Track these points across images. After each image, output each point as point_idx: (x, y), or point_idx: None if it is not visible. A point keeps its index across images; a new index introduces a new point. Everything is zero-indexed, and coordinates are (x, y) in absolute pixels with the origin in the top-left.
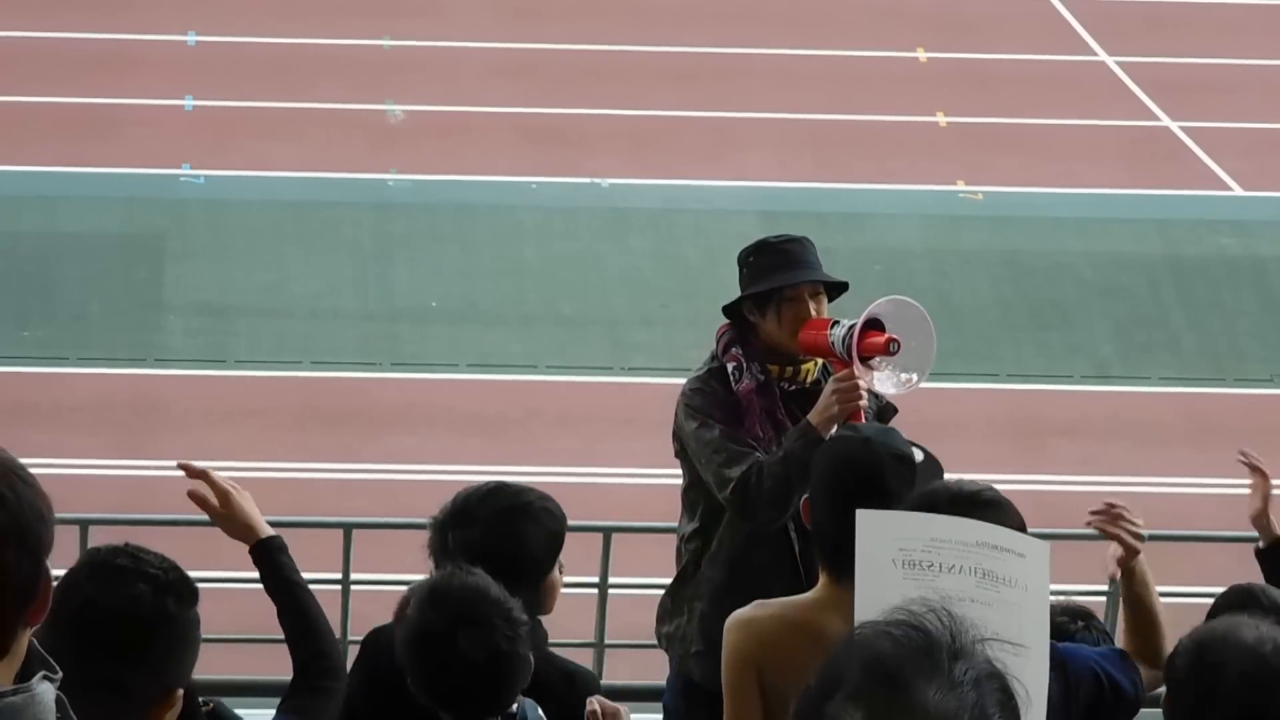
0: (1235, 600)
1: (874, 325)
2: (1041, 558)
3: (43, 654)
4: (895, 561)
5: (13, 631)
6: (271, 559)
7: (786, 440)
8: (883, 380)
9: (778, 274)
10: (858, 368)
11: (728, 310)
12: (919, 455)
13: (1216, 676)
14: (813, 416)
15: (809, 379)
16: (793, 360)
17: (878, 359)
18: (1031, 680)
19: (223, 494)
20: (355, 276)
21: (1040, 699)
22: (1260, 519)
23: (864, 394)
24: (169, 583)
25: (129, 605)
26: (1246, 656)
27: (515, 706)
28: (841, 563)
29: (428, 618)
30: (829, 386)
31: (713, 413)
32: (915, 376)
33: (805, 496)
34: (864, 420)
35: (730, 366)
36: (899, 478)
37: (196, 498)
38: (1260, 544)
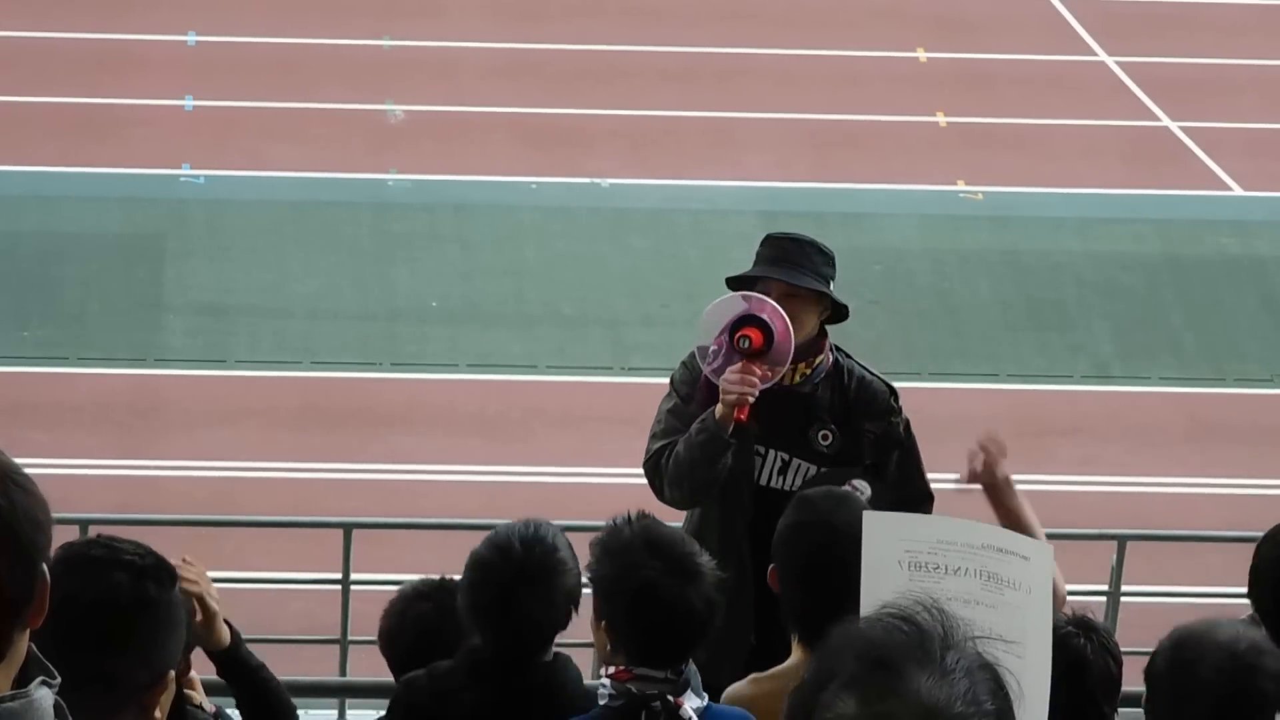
0: (1273, 537)
1: (758, 324)
2: (1045, 560)
3: (41, 659)
4: (901, 563)
5: (8, 638)
6: (237, 656)
7: (694, 431)
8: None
9: (761, 267)
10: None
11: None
12: (867, 491)
13: (1192, 672)
14: (716, 409)
15: (788, 381)
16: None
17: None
18: (1031, 679)
19: (210, 615)
20: (355, 276)
21: (1042, 699)
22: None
23: (750, 389)
24: (145, 567)
25: (109, 595)
26: (1221, 654)
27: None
28: (816, 630)
29: (652, 569)
30: (723, 379)
31: (679, 388)
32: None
33: (772, 567)
34: (747, 418)
35: (711, 349)
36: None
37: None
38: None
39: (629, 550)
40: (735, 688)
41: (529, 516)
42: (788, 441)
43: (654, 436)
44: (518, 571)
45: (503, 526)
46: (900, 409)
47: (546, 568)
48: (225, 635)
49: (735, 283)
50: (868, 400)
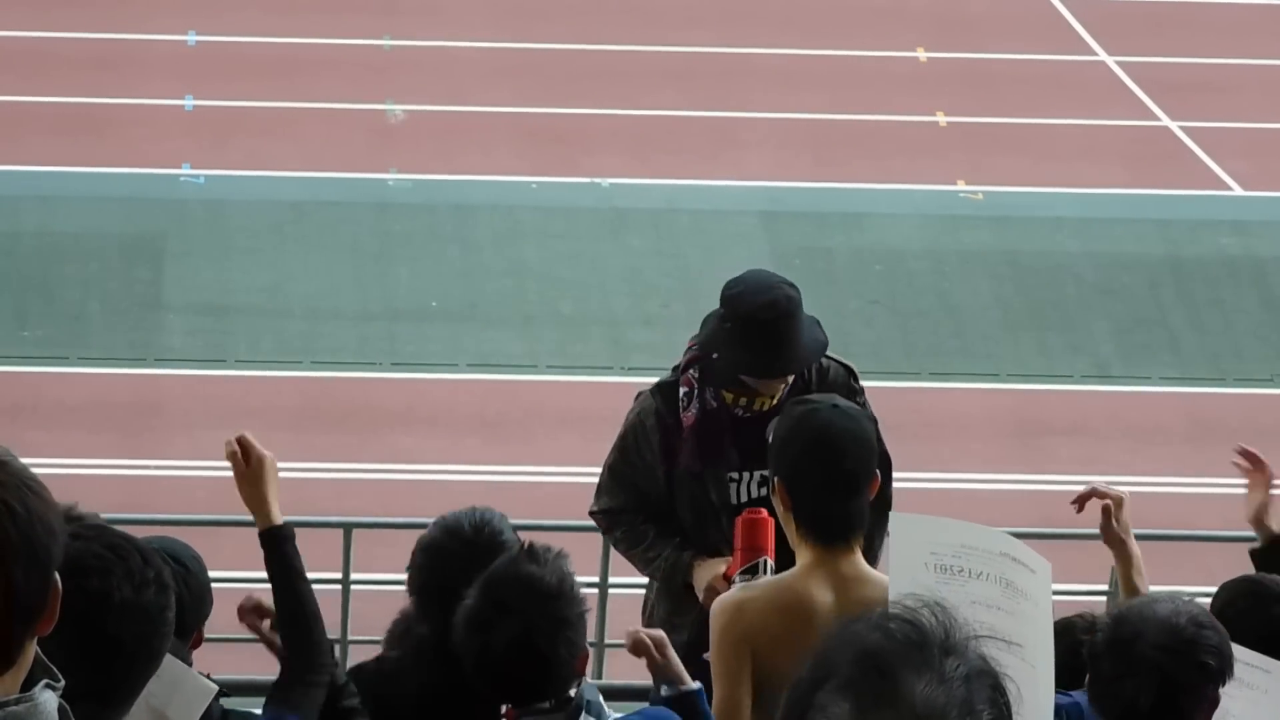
0: (1242, 591)
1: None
2: (1046, 576)
3: (46, 662)
4: (928, 565)
5: (19, 644)
6: (280, 547)
7: (663, 561)
8: None
9: (758, 356)
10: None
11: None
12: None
13: (1132, 648)
14: (698, 565)
15: (764, 407)
16: (750, 390)
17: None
18: (1041, 689)
19: (258, 458)
20: (355, 276)
21: (1048, 710)
22: (1260, 517)
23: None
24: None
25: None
26: (1161, 629)
27: (574, 691)
28: (824, 531)
29: (485, 607)
30: (705, 589)
31: (628, 439)
32: None
33: (778, 480)
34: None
35: (682, 391)
36: (858, 459)
37: (229, 452)
38: (1257, 544)
39: (485, 587)
40: (727, 594)
41: (474, 507)
42: (765, 459)
43: (600, 489)
44: (467, 553)
45: (450, 513)
46: (862, 389)
47: (494, 550)
48: (277, 514)
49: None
50: (829, 387)
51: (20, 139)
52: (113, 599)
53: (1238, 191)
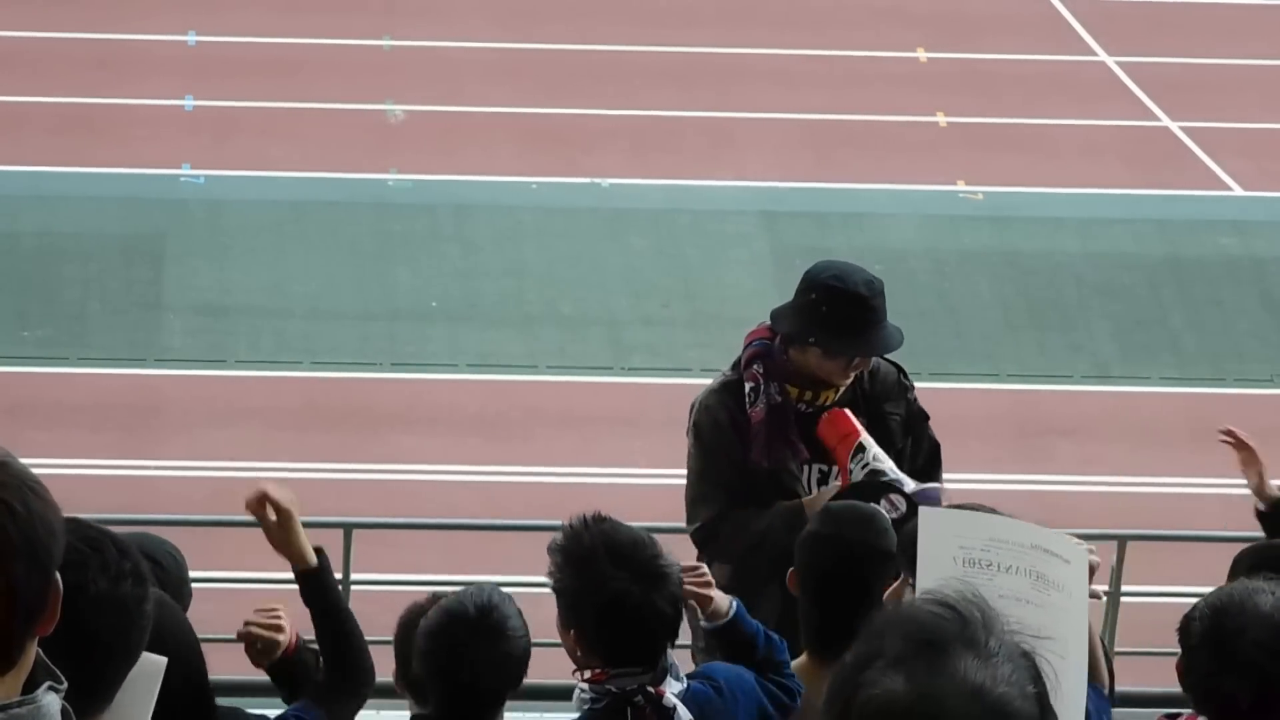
0: (1260, 557)
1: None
2: (1082, 565)
3: (48, 664)
4: (956, 560)
5: (20, 645)
6: (324, 583)
7: (776, 517)
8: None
9: (862, 334)
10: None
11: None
12: (901, 508)
13: (1234, 643)
14: (807, 502)
15: (828, 401)
16: (814, 385)
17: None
18: (1071, 679)
19: (285, 514)
20: (355, 276)
21: (1079, 701)
22: (1262, 488)
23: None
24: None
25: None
26: (1264, 626)
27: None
28: (824, 644)
29: (618, 580)
30: (827, 490)
31: (705, 435)
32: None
33: (791, 570)
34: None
35: (748, 387)
36: (875, 573)
37: (254, 512)
38: (1260, 506)
39: (592, 560)
40: None
41: (480, 586)
42: (824, 454)
43: (694, 500)
44: (472, 632)
45: (452, 597)
46: (912, 385)
47: (500, 631)
48: (310, 554)
49: (813, 333)
50: (882, 386)
51: (20, 139)
52: (88, 592)
53: (1238, 191)
